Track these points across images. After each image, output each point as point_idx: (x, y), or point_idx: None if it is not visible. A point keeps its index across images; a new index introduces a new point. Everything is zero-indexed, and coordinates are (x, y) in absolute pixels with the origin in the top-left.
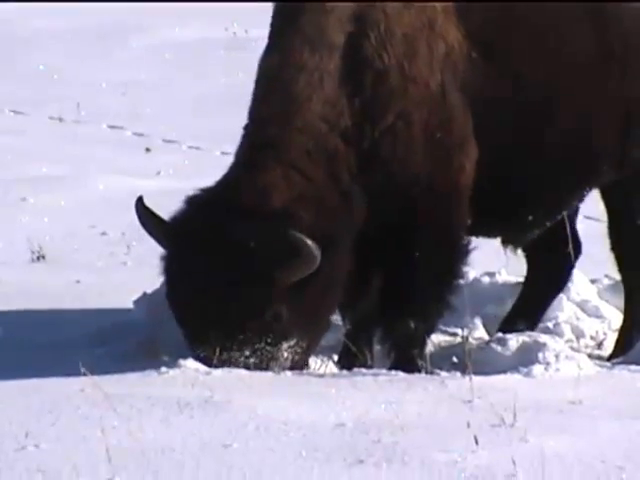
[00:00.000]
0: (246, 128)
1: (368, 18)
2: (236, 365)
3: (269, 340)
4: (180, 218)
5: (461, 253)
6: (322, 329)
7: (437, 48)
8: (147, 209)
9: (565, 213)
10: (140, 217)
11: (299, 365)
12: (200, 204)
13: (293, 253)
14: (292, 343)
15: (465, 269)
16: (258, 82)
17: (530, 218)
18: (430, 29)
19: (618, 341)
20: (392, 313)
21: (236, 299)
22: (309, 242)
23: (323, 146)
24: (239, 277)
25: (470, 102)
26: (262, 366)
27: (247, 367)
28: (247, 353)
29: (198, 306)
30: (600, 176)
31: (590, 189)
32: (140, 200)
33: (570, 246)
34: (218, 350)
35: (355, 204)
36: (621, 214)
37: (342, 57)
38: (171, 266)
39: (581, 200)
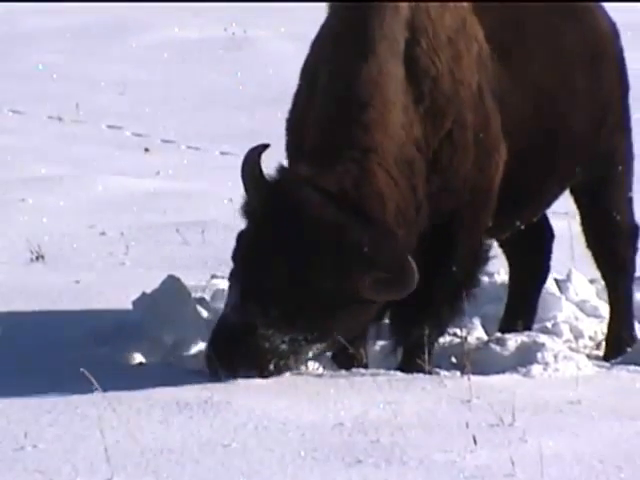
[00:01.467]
0: (345, 129)
1: (418, 23)
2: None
3: (308, 337)
4: (287, 198)
5: (482, 260)
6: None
7: (472, 48)
8: (259, 167)
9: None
10: (246, 170)
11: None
12: (309, 188)
13: (399, 277)
14: (318, 346)
15: (482, 277)
16: (355, 85)
17: (517, 222)
18: (464, 30)
19: (608, 338)
20: (409, 318)
21: (309, 292)
22: (416, 273)
23: (404, 155)
24: (324, 276)
25: (497, 102)
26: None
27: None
28: (280, 338)
29: (265, 283)
30: (574, 176)
31: (563, 190)
32: (259, 151)
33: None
34: (260, 318)
35: (422, 215)
36: (591, 210)
37: (403, 65)
38: (265, 231)
39: (554, 201)
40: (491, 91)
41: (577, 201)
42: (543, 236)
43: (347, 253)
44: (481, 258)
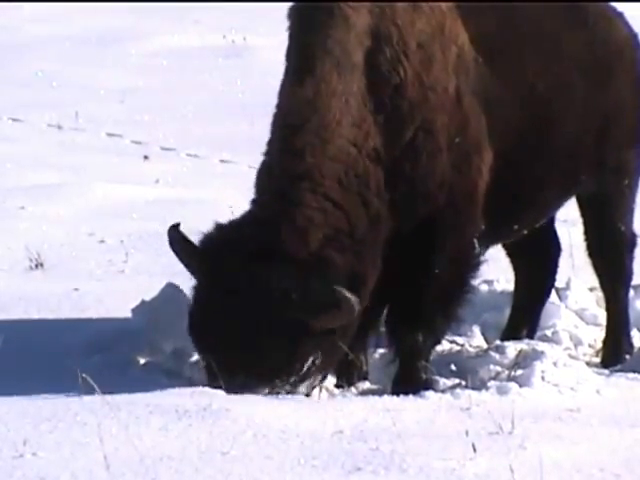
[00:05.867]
0: (274, 156)
1: (381, 32)
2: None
3: (292, 380)
4: (215, 251)
5: (473, 265)
6: (340, 356)
7: (450, 52)
8: (181, 236)
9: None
10: (172, 244)
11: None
12: (236, 238)
13: (334, 306)
14: (311, 380)
15: (474, 283)
16: (288, 108)
17: (515, 227)
18: (441, 33)
19: (606, 345)
20: (402, 324)
21: (266, 345)
22: (352, 298)
23: (354, 171)
24: (273, 324)
25: (482, 105)
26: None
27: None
28: (268, 390)
29: (227, 345)
30: (579, 185)
31: (569, 198)
32: (175, 227)
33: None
34: (240, 385)
35: (381, 226)
36: (597, 220)
37: (362, 75)
38: (202, 302)
39: (559, 208)
40: (474, 94)
41: (582, 210)
42: (550, 249)
43: (280, 303)
44: (471, 262)
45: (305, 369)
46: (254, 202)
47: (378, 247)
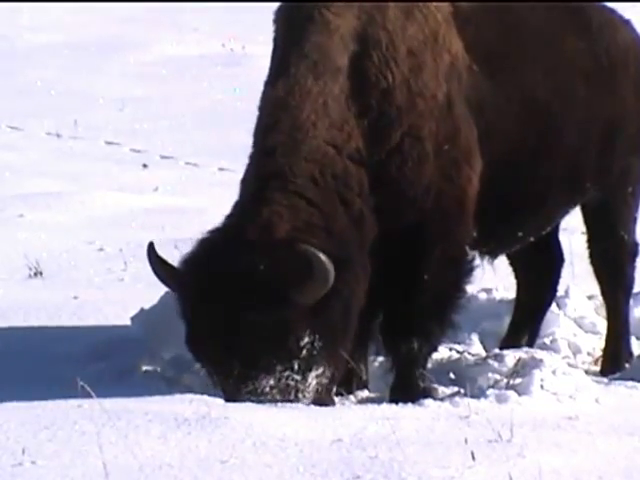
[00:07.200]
0: (252, 158)
1: (370, 37)
2: (263, 398)
3: (295, 368)
4: (190, 261)
5: (465, 271)
6: (344, 354)
7: (442, 59)
8: (159, 258)
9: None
10: (152, 265)
11: (324, 396)
12: (209, 244)
13: (306, 271)
14: (319, 372)
15: (468, 287)
16: (263, 110)
17: (519, 234)
18: (434, 41)
19: (606, 353)
20: (396, 332)
21: (258, 331)
22: (321, 256)
23: (331, 171)
24: (257, 310)
25: (473, 113)
26: (288, 397)
27: (274, 399)
28: (273, 383)
29: (223, 346)
30: (585, 193)
31: (575, 205)
32: (151, 247)
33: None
34: (244, 384)
35: (366, 226)
36: (600, 228)
37: (347, 79)
38: (189, 313)
39: (565, 215)
40: (466, 102)
41: (585, 218)
42: (553, 258)
43: (258, 287)
44: (463, 268)
45: (305, 352)
46: (234, 205)
47: (365, 248)
